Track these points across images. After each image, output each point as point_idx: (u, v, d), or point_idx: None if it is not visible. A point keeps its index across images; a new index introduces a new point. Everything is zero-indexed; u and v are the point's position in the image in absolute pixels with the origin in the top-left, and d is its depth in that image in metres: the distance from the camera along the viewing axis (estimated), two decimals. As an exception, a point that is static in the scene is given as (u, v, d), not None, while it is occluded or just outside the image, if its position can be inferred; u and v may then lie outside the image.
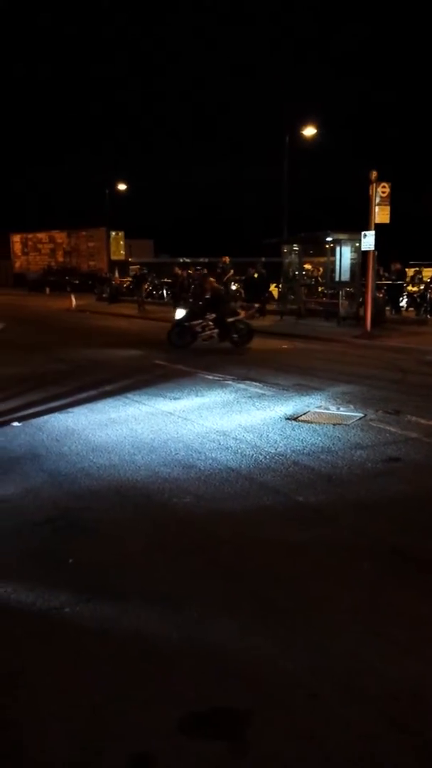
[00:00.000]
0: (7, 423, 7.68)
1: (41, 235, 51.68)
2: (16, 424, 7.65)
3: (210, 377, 10.79)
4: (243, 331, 14.57)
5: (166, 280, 30.62)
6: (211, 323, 14.46)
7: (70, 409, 8.37)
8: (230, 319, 14.47)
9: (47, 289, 41.66)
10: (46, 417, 7.97)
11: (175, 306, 23.99)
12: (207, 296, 14.89)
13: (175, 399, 9.06)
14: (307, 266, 22.78)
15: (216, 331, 14.45)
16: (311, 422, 7.62)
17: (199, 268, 31.76)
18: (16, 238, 53.37)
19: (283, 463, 6.06)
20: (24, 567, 4.08)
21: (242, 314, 15.00)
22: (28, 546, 4.39)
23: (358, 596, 3.71)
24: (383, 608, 3.58)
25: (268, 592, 3.77)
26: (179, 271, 25.21)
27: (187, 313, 14.78)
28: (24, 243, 52.92)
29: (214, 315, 14.44)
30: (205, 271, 25.41)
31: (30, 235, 52.50)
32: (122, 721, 2.74)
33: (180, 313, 15.13)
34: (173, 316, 21.14)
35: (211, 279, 16.48)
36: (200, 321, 14.47)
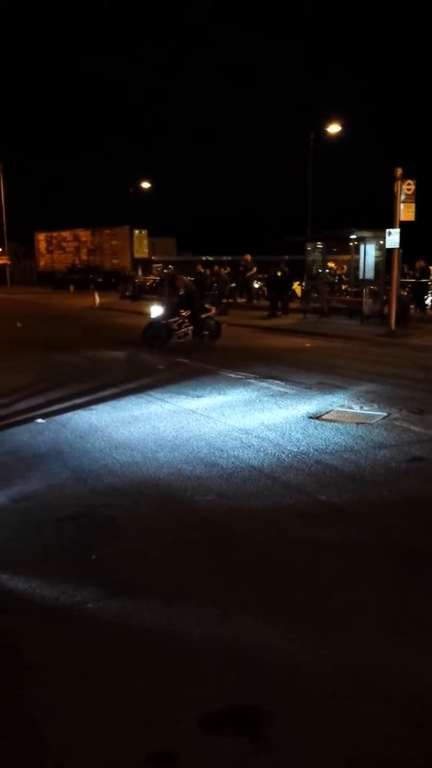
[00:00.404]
0: (31, 420, 7.76)
1: (66, 234, 51.97)
2: (40, 420, 7.73)
3: (232, 375, 10.78)
4: (213, 327, 14.66)
5: (189, 278, 30.66)
6: (186, 320, 14.46)
7: (93, 407, 8.43)
8: (203, 316, 14.52)
9: (71, 287, 41.96)
10: (69, 414, 8.03)
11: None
12: (180, 293, 14.78)
13: (197, 397, 9.08)
14: (331, 264, 22.64)
15: (191, 328, 14.48)
16: (334, 421, 7.58)
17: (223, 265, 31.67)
18: (41, 237, 53.75)
19: (305, 461, 6.04)
20: (48, 563, 4.12)
21: (213, 311, 14.96)
22: (51, 542, 4.43)
23: (380, 596, 3.68)
24: (406, 608, 3.55)
25: (290, 591, 3.76)
26: (202, 270, 25.23)
27: (166, 311, 14.48)
28: (48, 241, 53.28)
29: (188, 312, 14.45)
30: (225, 269, 25.35)
31: (54, 234, 52.83)
32: (144, 718, 2.75)
33: (155, 311, 14.65)
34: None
35: (182, 276, 16.60)
36: (177, 318, 14.41)
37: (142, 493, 5.31)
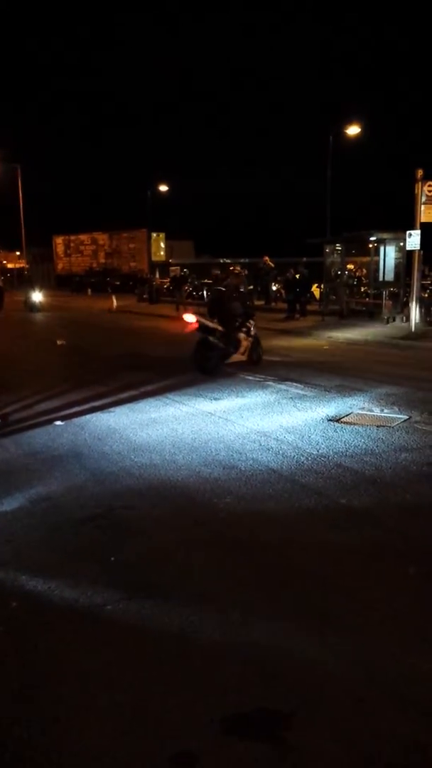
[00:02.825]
0: (51, 422, 7.78)
1: (83, 237, 52.21)
2: (58, 422, 7.74)
3: (250, 378, 10.74)
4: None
5: (206, 281, 30.67)
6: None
7: (111, 409, 8.43)
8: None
9: (89, 290, 42.19)
10: (88, 416, 8.04)
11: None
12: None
13: (215, 399, 9.04)
14: (350, 266, 22.53)
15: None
16: (354, 424, 7.51)
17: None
18: (59, 240, 54.06)
19: (325, 464, 5.98)
20: (67, 564, 4.11)
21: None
22: (70, 543, 4.43)
23: (404, 601, 3.62)
24: (430, 613, 3.49)
25: (311, 594, 3.71)
26: (218, 272, 25.17)
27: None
28: (66, 245, 53.56)
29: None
30: (243, 271, 25.26)
31: (72, 237, 53.13)
32: (164, 720, 2.72)
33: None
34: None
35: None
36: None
37: (160, 495, 5.29)
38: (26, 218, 48.40)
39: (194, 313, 11.15)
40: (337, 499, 5.14)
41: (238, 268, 14.74)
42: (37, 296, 27.21)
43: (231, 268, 14.49)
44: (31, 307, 26.53)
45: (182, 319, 11.33)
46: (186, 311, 11.49)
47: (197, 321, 10.97)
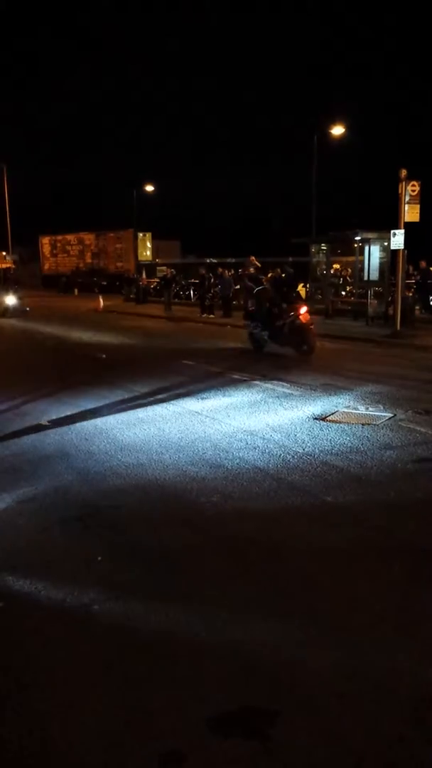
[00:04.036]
0: (38, 422, 7.76)
1: (70, 237, 51.98)
2: (45, 423, 7.73)
3: (237, 377, 10.77)
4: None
5: (193, 280, 30.67)
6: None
7: (98, 409, 8.42)
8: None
9: (75, 291, 42.07)
10: (74, 416, 8.03)
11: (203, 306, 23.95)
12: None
13: (202, 399, 9.07)
14: (336, 266, 22.62)
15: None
16: (340, 422, 7.56)
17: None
18: (45, 240, 53.79)
19: (311, 462, 6.02)
20: (54, 564, 4.12)
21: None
22: (57, 543, 4.43)
23: (388, 597, 3.67)
24: (414, 610, 3.54)
25: (297, 592, 3.74)
26: (204, 272, 25.16)
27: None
28: (53, 245, 53.31)
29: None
30: (229, 271, 25.27)
31: (59, 237, 52.89)
32: (152, 719, 2.74)
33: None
34: (199, 316, 20.77)
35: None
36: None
37: (147, 494, 5.30)
38: (12, 217, 48.07)
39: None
40: (322, 497, 5.18)
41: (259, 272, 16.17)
42: (11, 300, 26.34)
43: (272, 271, 16.94)
44: (4, 312, 25.67)
45: (297, 309, 12.75)
46: (299, 304, 13.20)
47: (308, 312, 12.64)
